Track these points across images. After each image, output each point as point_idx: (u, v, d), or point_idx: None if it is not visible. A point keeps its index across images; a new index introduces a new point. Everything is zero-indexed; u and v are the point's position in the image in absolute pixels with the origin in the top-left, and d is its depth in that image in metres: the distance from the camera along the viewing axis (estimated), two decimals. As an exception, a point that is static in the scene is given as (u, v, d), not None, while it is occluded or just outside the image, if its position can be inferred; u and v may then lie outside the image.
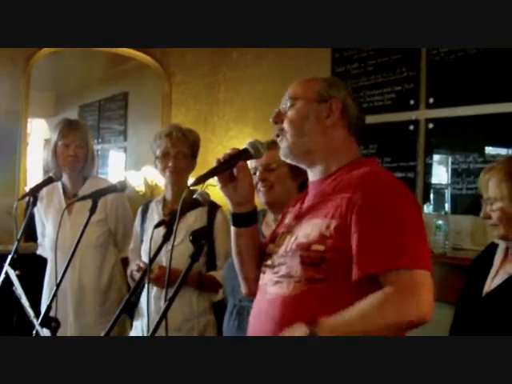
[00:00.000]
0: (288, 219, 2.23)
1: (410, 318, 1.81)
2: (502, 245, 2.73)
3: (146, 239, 3.42)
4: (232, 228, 2.22)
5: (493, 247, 2.78)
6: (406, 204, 1.95)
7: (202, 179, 1.96)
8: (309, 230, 2.01)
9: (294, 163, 2.22)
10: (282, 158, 2.20)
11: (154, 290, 3.31)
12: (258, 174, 2.89)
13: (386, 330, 1.83)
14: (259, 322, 2.09)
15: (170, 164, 3.38)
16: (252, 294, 2.27)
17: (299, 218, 2.13)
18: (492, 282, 2.66)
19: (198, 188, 2.10)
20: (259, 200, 2.88)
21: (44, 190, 3.79)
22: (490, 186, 2.64)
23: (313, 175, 2.18)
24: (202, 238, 2.01)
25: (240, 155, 2.07)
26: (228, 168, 2.06)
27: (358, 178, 1.99)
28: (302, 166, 2.21)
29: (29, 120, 6.15)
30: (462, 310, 2.79)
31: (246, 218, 2.18)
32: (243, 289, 2.34)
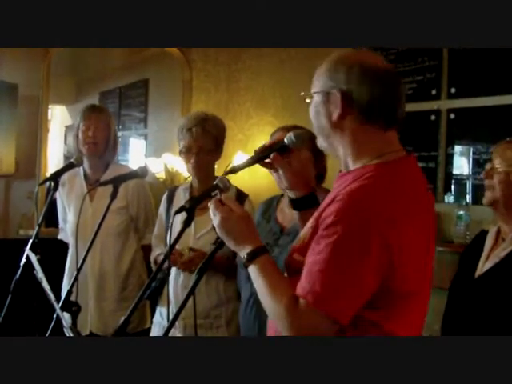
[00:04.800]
0: None
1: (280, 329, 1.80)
2: (492, 230, 2.88)
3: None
4: (294, 213, 2.25)
5: (483, 235, 2.94)
6: (353, 241, 1.71)
7: (234, 170, 2.12)
8: (301, 233, 2.00)
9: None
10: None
11: (181, 277, 3.33)
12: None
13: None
14: None
15: (192, 160, 3.39)
16: None
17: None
18: (483, 266, 2.79)
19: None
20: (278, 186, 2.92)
21: (66, 176, 3.81)
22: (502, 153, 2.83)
23: None
24: None
25: (272, 147, 2.17)
26: (261, 159, 2.15)
27: (337, 198, 1.77)
28: None
29: (49, 106, 6.18)
30: (455, 293, 2.92)
31: (304, 201, 2.18)
32: None
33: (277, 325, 1.82)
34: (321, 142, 1.98)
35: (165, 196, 3.66)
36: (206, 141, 3.40)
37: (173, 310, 3.12)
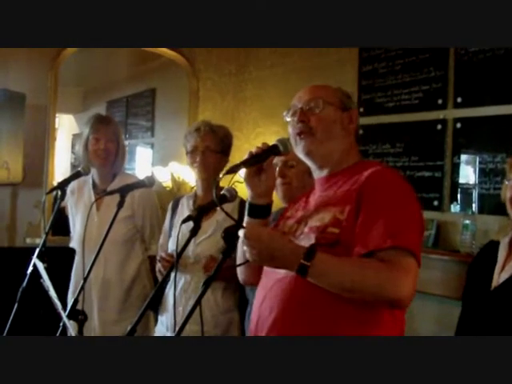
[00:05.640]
0: (292, 212, 2.36)
1: (389, 294, 1.92)
2: (504, 240, 2.83)
3: (174, 234, 3.44)
4: (246, 218, 2.32)
5: (492, 245, 2.90)
6: (409, 198, 2.12)
7: (234, 169, 2.11)
8: (322, 215, 2.12)
9: (309, 161, 2.31)
10: (304, 155, 2.28)
11: (181, 282, 3.32)
12: (277, 169, 2.99)
13: (364, 294, 1.95)
14: (267, 301, 2.17)
15: (198, 159, 3.40)
16: (247, 282, 2.54)
17: (309, 209, 2.25)
18: (499, 277, 2.74)
19: (226, 184, 2.14)
20: (277, 195, 2.97)
21: (75, 185, 3.84)
22: None
23: (319, 173, 2.31)
24: (235, 236, 2.02)
25: (270, 150, 2.21)
26: (260, 161, 2.20)
27: (370, 172, 2.13)
28: (314, 165, 2.31)
29: (57, 115, 6.19)
30: (470, 305, 2.87)
31: (262, 210, 2.30)
32: (240, 276, 2.48)
33: (380, 295, 1.94)
34: (328, 146, 2.24)
35: (170, 205, 3.66)
36: (213, 141, 3.42)
37: (172, 317, 3.15)
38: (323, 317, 2.04)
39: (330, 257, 1.96)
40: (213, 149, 3.41)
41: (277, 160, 2.97)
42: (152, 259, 3.82)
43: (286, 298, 2.09)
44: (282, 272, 2.09)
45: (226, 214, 2.09)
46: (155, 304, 3.47)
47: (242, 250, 2.27)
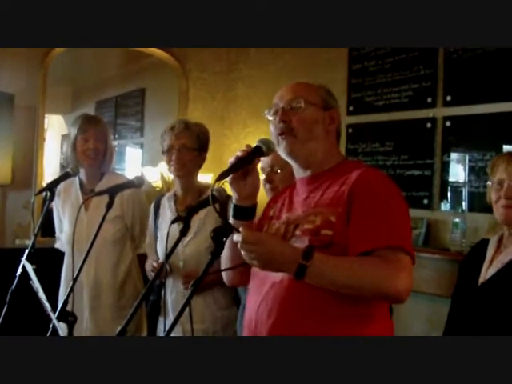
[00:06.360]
0: (275, 212, 2.35)
1: (388, 289, 1.94)
2: (493, 239, 2.86)
3: (160, 235, 3.44)
4: (231, 220, 2.29)
5: (483, 243, 2.93)
6: (398, 198, 2.13)
7: (224, 175, 2.10)
8: (313, 217, 2.12)
9: (291, 161, 2.31)
10: (286, 155, 2.28)
11: (179, 284, 3.31)
12: (265, 174, 3.05)
13: (363, 291, 1.96)
14: (264, 305, 2.15)
15: (174, 157, 3.37)
16: (233, 283, 2.58)
17: (295, 211, 2.25)
18: (486, 273, 2.77)
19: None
20: (268, 198, 2.96)
21: (62, 186, 3.80)
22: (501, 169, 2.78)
23: (302, 172, 2.30)
24: (224, 236, 2.01)
25: (255, 152, 2.21)
26: (246, 164, 2.18)
27: (359, 173, 2.13)
28: (297, 165, 2.31)
29: (46, 116, 6.17)
30: (458, 301, 2.91)
31: (247, 212, 2.28)
32: (225, 277, 2.48)
33: (379, 291, 1.95)
34: (309, 147, 2.23)
35: (152, 206, 3.64)
36: (189, 139, 3.39)
37: (168, 318, 3.13)
38: (322, 317, 2.05)
39: (327, 256, 1.96)
40: (189, 146, 3.38)
41: (265, 165, 2.99)
42: (141, 257, 3.80)
43: (284, 301, 2.09)
44: (278, 275, 2.08)
45: (219, 214, 2.08)
46: (154, 309, 3.46)
47: (226, 253, 2.28)
